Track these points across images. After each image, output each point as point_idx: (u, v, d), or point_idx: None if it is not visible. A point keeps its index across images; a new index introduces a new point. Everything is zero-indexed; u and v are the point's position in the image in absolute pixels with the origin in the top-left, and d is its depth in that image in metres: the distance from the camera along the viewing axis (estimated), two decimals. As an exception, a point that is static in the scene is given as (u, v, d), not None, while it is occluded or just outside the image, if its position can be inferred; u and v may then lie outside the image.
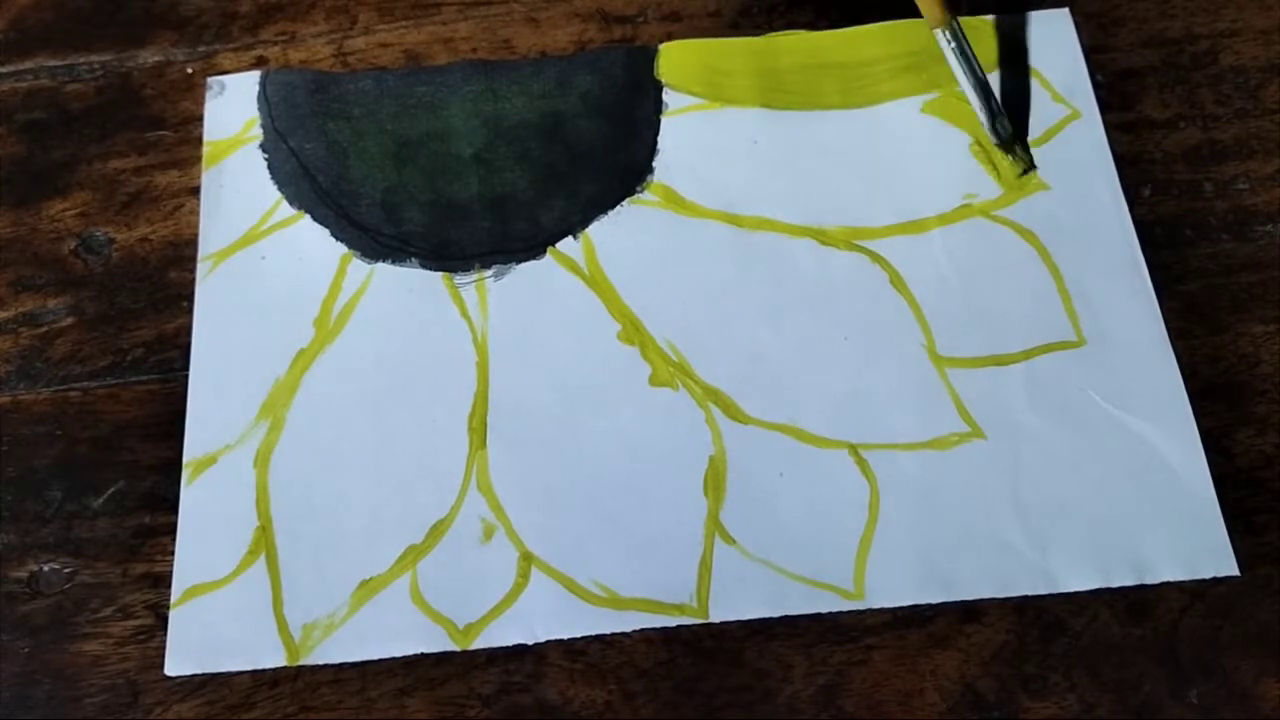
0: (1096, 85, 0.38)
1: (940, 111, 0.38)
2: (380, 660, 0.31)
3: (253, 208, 0.38)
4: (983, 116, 0.36)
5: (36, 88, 0.40)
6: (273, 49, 0.40)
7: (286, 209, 0.38)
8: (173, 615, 0.32)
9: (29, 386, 0.35)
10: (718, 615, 0.31)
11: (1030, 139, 0.37)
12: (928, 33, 0.39)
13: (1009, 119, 0.37)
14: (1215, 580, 0.31)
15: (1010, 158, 0.37)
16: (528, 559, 0.32)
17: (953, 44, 0.36)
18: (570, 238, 0.37)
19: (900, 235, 0.36)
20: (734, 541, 0.32)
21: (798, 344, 0.35)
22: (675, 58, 0.39)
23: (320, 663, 0.31)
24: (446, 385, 0.34)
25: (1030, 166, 0.37)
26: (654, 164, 0.38)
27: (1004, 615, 0.31)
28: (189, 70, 0.40)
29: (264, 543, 0.33)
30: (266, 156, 0.38)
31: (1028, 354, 0.34)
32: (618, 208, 0.37)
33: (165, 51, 0.41)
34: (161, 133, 0.39)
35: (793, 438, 0.33)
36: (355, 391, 0.34)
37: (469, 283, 0.36)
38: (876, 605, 0.31)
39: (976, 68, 0.36)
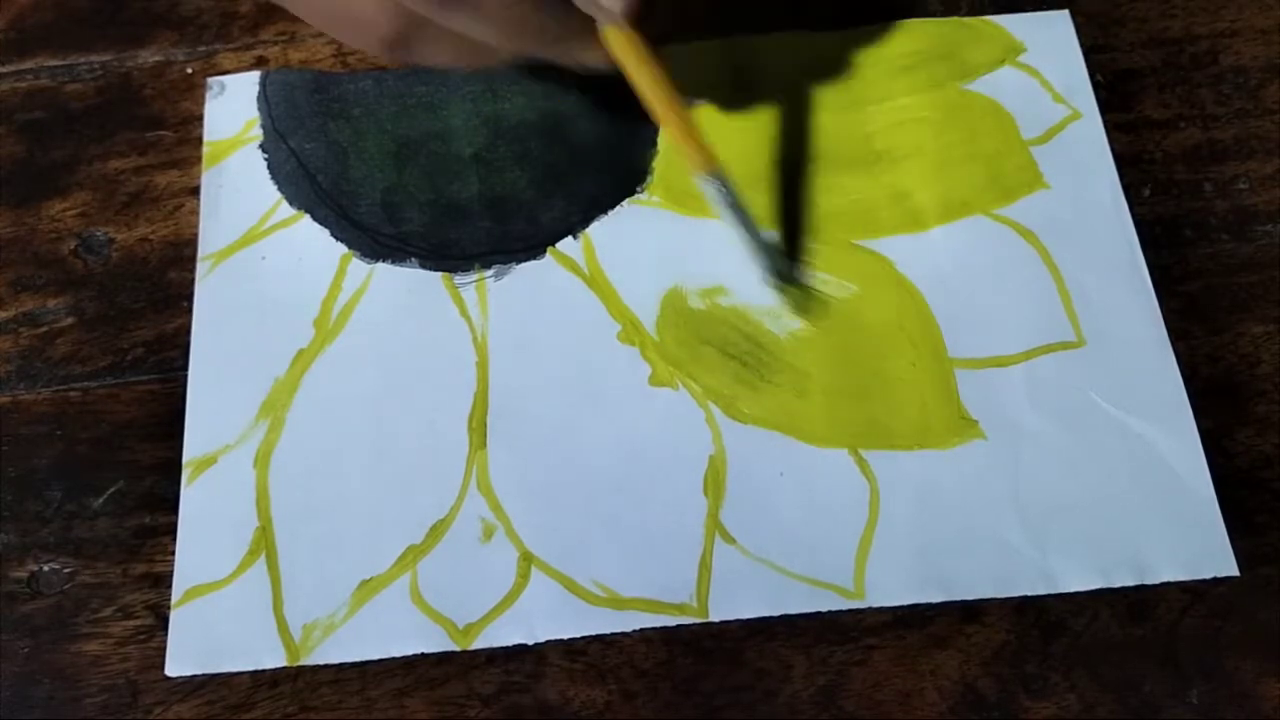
0: (1096, 85, 0.38)
1: (944, 112, 0.38)
2: (380, 660, 0.31)
3: (253, 208, 0.37)
4: (759, 267, 0.34)
5: (36, 88, 0.40)
6: (273, 49, 0.40)
7: (286, 209, 0.38)
8: (173, 615, 0.32)
9: (29, 386, 0.35)
10: (718, 615, 0.31)
11: (1030, 139, 0.37)
12: (927, 33, 0.39)
13: (787, 255, 0.34)
14: (1215, 580, 0.31)
15: (795, 296, 0.35)
16: (528, 559, 0.32)
17: (722, 192, 0.32)
18: (570, 238, 0.37)
19: (900, 235, 0.36)
20: (734, 541, 0.32)
21: (798, 342, 0.35)
22: (677, 58, 0.39)
23: (320, 663, 0.31)
24: (446, 385, 0.34)
25: (812, 300, 0.35)
26: (654, 164, 0.38)
27: (1004, 615, 0.31)
28: (189, 70, 0.40)
29: (264, 543, 0.33)
30: (266, 157, 0.38)
31: (1028, 354, 0.34)
32: (618, 208, 0.37)
33: (165, 51, 0.41)
34: (161, 133, 0.39)
35: (793, 437, 0.33)
36: (355, 391, 0.34)
37: (469, 283, 0.36)
38: (876, 604, 0.31)
39: (747, 217, 0.33)
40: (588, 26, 0.29)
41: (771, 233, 0.34)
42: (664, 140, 0.38)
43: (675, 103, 0.31)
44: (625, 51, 0.29)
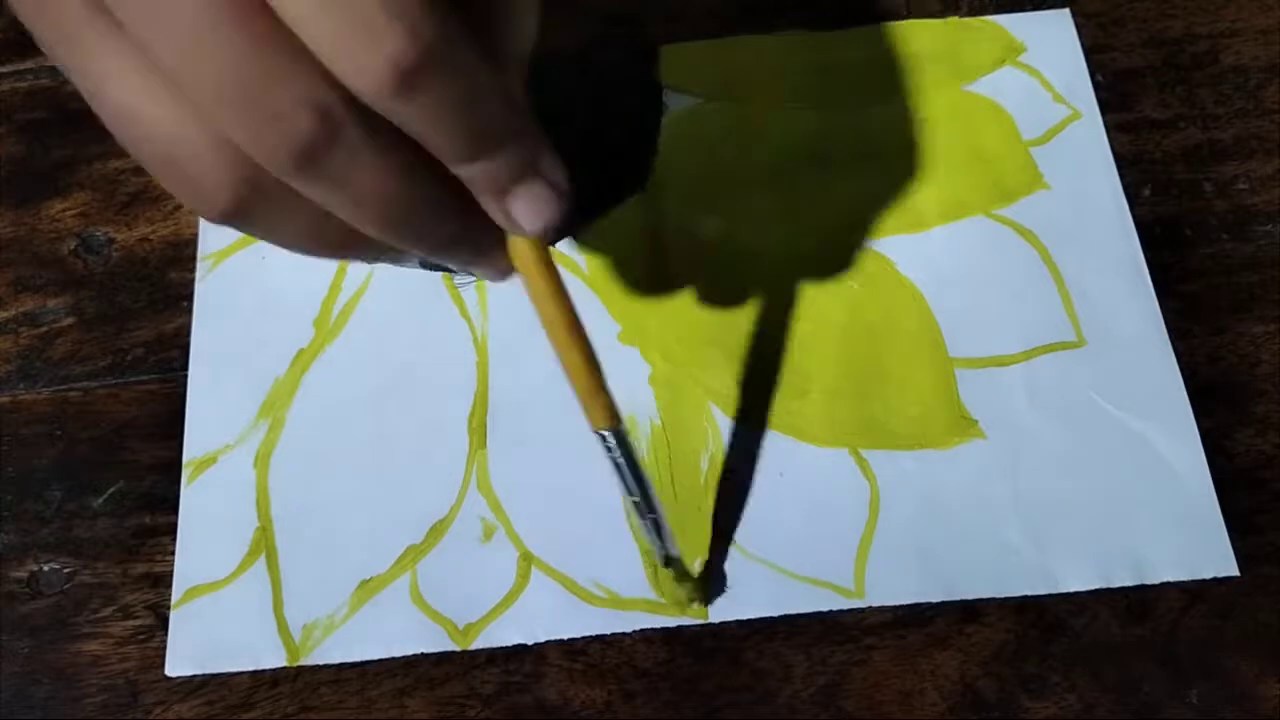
0: (1096, 85, 0.38)
1: (944, 112, 0.38)
2: (380, 660, 0.31)
3: (253, 208, 0.37)
4: (648, 536, 0.29)
5: (36, 88, 0.40)
6: (273, 49, 0.40)
7: (286, 209, 0.37)
8: (173, 616, 0.32)
9: (29, 386, 0.35)
10: (718, 615, 0.31)
11: (1030, 139, 0.37)
12: (927, 33, 0.39)
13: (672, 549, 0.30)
14: (1215, 580, 0.31)
15: (676, 583, 0.31)
16: (528, 559, 0.32)
17: (615, 451, 0.27)
18: (570, 237, 0.37)
19: (901, 235, 0.36)
20: (734, 542, 0.32)
21: (798, 343, 0.35)
22: (676, 58, 0.39)
23: (320, 663, 0.31)
24: (446, 385, 0.34)
25: (699, 599, 0.31)
26: (654, 164, 0.38)
27: (1004, 615, 0.31)
28: (189, 70, 0.40)
29: (264, 543, 0.33)
30: (266, 156, 0.38)
31: (1028, 354, 0.34)
32: (618, 208, 0.37)
33: (165, 51, 0.41)
34: (161, 133, 0.39)
35: (793, 437, 0.33)
36: (355, 391, 0.34)
37: (469, 283, 0.36)
38: (876, 604, 0.31)
39: (645, 481, 0.28)
40: (489, 233, 0.22)
41: (660, 511, 0.29)
42: (665, 140, 0.38)
43: (581, 345, 0.25)
44: (535, 274, 0.24)
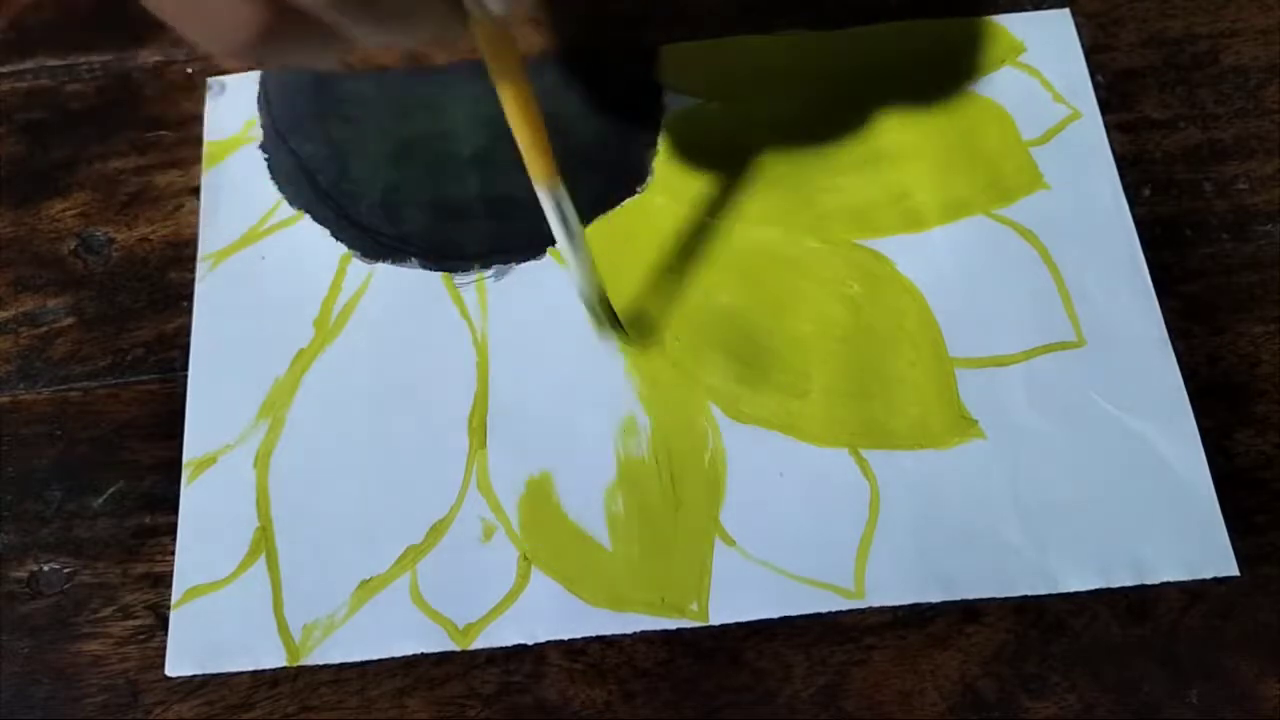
0: (1096, 85, 0.38)
1: (944, 112, 0.38)
2: (380, 660, 0.31)
3: (253, 208, 0.38)
4: (578, 282, 0.33)
5: (36, 88, 0.40)
6: (273, 49, 0.40)
7: (286, 209, 0.38)
8: (173, 616, 0.32)
9: (29, 386, 0.35)
10: (718, 618, 0.31)
11: (1030, 139, 0.37)
12: (929, 34, 0.39)
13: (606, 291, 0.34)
14: (1215, 580, 0.31)
15: (599, 324, 0.34)
16: (528, 559, 0.32)
17: (558, 207, 0.31)
18: (568, 238, 0.37)
19: (900, 235, 0.36)
20: (734, 543, 0.32)
21: (798, 343, 0.35)
22: (676, 58, 0.39)
23: (320, 663, 0.31)
24: (446, 385, 0.34)
25: (619, 334, 0.34)
26: (654, 164, 0.38)
27: (1004, 615, 0.31)
28: (189, 70, 0.40)
29: (264, 543, 0.33)
30: (266, 157, 0.38)
31: (1028, 354, 0.34)
32: (617, 208, 0.37)
33: (165, 51, 0.41)
34: (161, 133, 0.39)
35: (793, 437, 0.33)
36: (355, 391, 0.34)
37: (469, 283, 0.36)
38: (876, 604, 0.31)
39: (578, 234, 0.32)
40: (461, 17, 0.26)
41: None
42: (665, 140, 0.38)
43: (530, 109, 0.29)
44: (494, 50, 0.28)
